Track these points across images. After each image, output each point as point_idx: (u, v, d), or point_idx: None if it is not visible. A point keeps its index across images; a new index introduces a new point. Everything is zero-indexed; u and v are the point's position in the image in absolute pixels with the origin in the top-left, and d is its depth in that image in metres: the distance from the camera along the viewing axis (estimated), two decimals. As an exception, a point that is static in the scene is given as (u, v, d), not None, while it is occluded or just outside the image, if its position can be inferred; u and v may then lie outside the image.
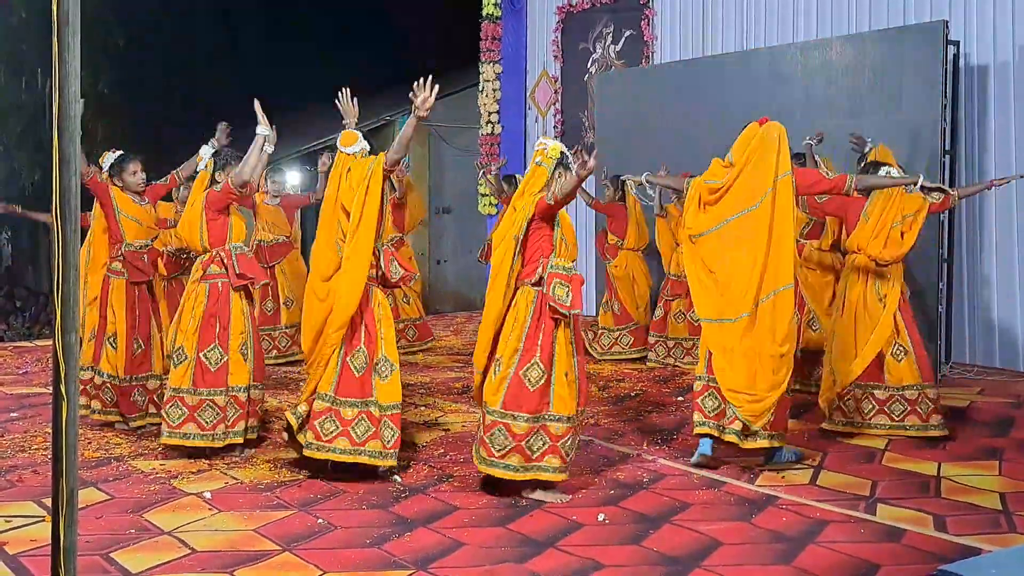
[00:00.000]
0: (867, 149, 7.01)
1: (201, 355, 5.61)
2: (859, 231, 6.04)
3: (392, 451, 5.14)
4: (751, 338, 5.25)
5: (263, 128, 5.61)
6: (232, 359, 5.63)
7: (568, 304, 4.76)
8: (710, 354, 5.42)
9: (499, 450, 4.78)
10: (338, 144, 5.32)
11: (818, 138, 7.17)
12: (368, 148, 5.30)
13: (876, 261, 6.00)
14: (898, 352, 6.01)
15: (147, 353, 6.36)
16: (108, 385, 6.28)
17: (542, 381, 4.78)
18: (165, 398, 5.69)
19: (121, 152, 6.42)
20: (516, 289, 4.87)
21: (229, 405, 5.60)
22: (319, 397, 5.16)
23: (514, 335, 4.82)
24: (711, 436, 5.41)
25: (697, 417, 5.46)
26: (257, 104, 5.62)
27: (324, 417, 5.13)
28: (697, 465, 5.40)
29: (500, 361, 4.84)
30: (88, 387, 6.33)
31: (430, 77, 4.83)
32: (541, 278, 4.82)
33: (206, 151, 5.83)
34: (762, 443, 5.32)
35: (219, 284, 5.68)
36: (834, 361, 6.06)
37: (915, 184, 5.74)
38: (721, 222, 5.35)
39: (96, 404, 6.33)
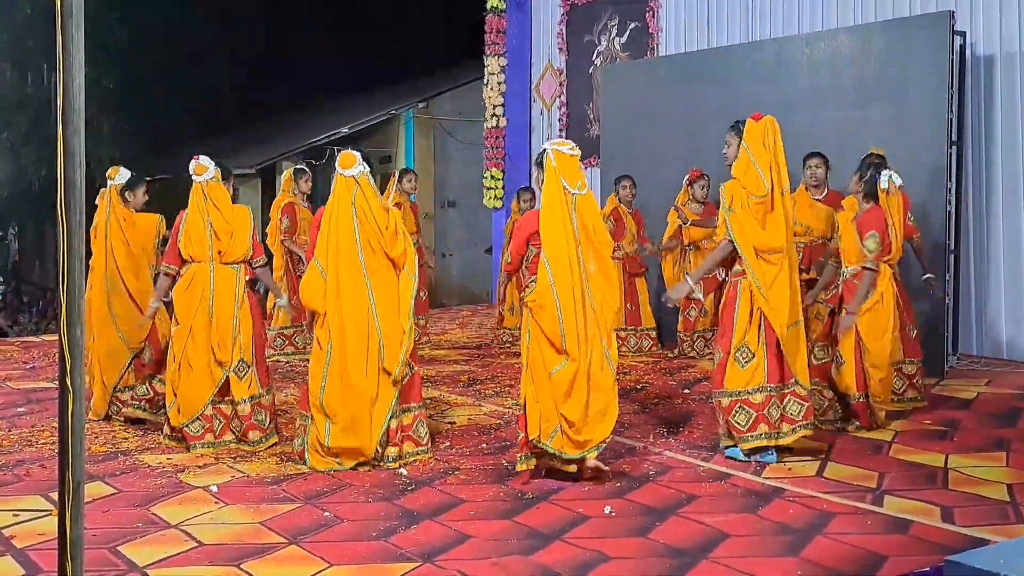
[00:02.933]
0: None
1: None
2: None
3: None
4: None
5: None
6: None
7: None
8: (770, 362, 5.25)
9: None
10: (337, 167, 5.35)
11: None
12: (368, 169, 5.34)
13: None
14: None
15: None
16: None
17: None
18: (246, 411, 5.76)
19: (133, 174, 6.60)
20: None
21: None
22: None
23: None
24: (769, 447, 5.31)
25: (763, 428, 5.23)
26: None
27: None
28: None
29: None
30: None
31: None
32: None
33: (207, 161, 5.86)
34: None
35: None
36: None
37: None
38: (785, 231, 5.26)
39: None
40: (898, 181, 6.15)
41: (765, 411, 5.21)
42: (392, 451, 5.29)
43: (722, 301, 5.49)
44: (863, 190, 5.98)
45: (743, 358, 5.23)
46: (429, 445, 5.55)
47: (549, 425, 4.85)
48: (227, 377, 5.68)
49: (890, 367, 5.96)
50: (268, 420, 5.82)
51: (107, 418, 6.44)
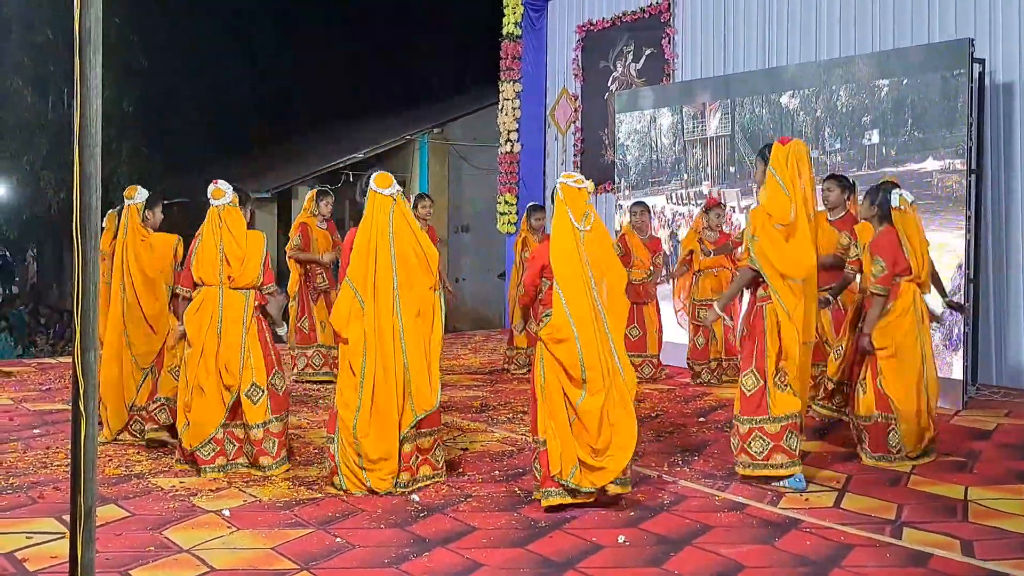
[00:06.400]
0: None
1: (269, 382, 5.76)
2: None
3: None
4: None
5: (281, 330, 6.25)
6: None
7: None
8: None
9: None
10: (374, 186, 5.35)
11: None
12: (401, 190, 5.39)
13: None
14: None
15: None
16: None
17: None
18: (259, 436, 5.68)
19: (151, 193, 6.63)
20: None
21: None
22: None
23: None
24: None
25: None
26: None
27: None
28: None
29: None
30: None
31: None
32: None
33: (225, 185, 5.88)
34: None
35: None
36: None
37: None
38: (807, 258, 5.25)
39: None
40: (910, 198, 6.03)
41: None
42: (404, 476, 5.27)
43: (743, 327, 5.51)
44: (877, 214, 5.93)
45: (782, 382, 5.23)
46: (443, 470, 5.54)
47: (569, 462, 4.84)
48: (239, 400, 5.66)
49: (916, 414, 5.77)
50: (276, 447, 5.73)
51: (120, 435, 6.45)
